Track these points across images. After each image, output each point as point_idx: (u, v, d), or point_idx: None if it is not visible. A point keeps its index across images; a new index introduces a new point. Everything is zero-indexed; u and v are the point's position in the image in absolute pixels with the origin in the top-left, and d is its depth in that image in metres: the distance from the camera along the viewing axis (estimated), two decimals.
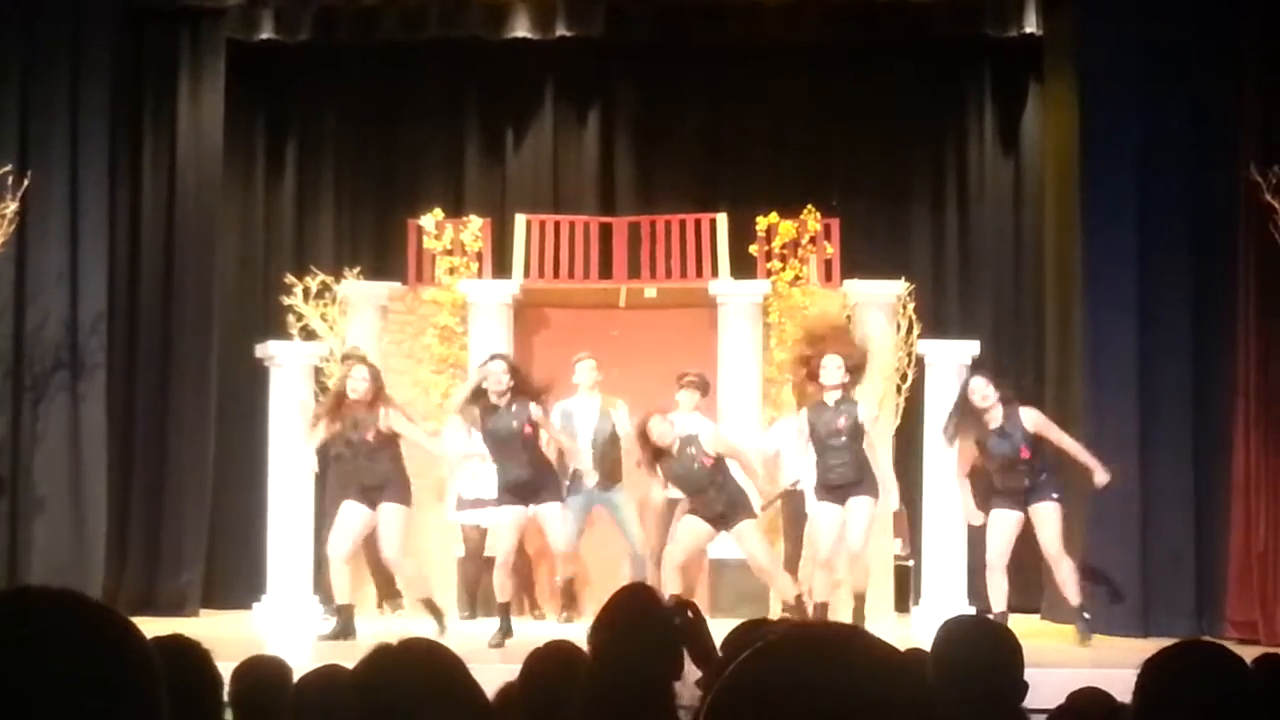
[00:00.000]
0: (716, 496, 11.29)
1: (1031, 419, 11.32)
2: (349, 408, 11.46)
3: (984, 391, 11.34)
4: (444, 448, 12.45)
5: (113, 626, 1.63)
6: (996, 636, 4.15)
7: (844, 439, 11.46)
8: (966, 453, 11.50)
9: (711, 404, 13.07)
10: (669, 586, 10.95)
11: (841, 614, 11.64)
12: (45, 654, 1.57)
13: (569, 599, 12.62)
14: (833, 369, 11.58)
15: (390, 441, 11.47)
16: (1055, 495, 11.35)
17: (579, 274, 14.14)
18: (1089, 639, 11.27)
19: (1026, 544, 11.51)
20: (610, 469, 12.61)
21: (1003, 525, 11.39)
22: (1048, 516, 11.30)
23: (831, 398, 11.57)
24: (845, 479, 11.48)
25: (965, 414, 11.40)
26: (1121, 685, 3.99)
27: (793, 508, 12.75)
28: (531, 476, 11.28)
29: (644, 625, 3.97)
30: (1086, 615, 11.45)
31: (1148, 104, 12.66)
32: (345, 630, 11.41)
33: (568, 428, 12.40)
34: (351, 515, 11.53)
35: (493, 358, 11.55)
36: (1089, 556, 12.33)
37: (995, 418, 11.29)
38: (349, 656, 3.09)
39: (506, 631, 11.11)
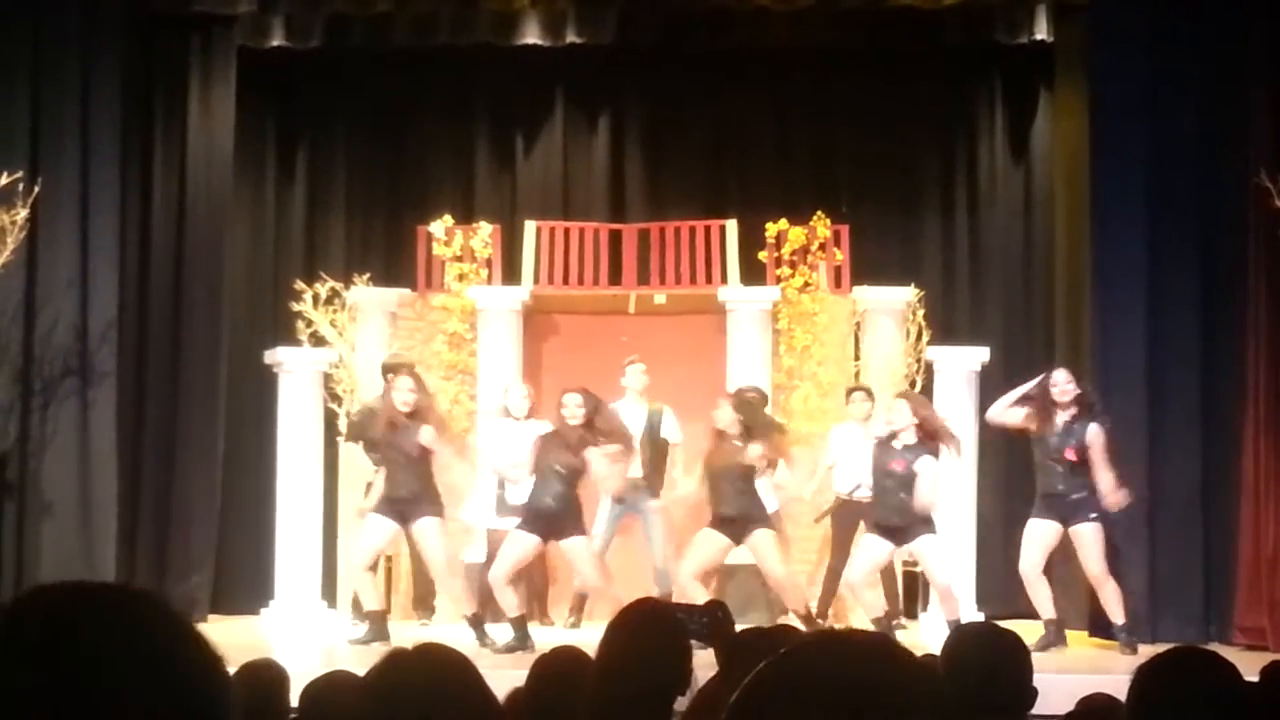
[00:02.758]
0: (737, 500, 11.43)
1: (1093, 431, 11.34)
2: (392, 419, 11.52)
3: (1065, 386, 11.39)
4: (474, 460, 12.52)
5: (185, 633, 1.62)
6: (1006, 643, 4.15)
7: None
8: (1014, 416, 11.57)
9: None
10: (692, 597, 11.04)
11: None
12: (114, 656, 1.55)
13: (578, 605, 12.64)
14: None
15: (426, 454, 11.50)
16: (1094, 515, 11.38)
17: (589, 280, 14.14)
18: (1132, 650, 11.21)
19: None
20: (652, 477, 12.58)
21: (1038, 535, 11.40)
22: (1089, 538, 11.36)
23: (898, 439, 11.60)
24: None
25: (1035, 400, 11.44)
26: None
27: (846, 517, 12.69)
28: (559, 508, 11.40)
29: (655, 637, 3.97)
30: (1125, 635, 11.42)
31: (1158, 110, 12.66)
32: (379, 635, 11.43)
33: None
34: (377, 529, 11.56)
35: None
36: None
37: (1064, 415, 11.33)
38: (363, 662, 3.10)
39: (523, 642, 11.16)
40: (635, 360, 12.75)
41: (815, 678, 1.57)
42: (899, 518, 11.40)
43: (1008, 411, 11.68)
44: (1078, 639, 12.03)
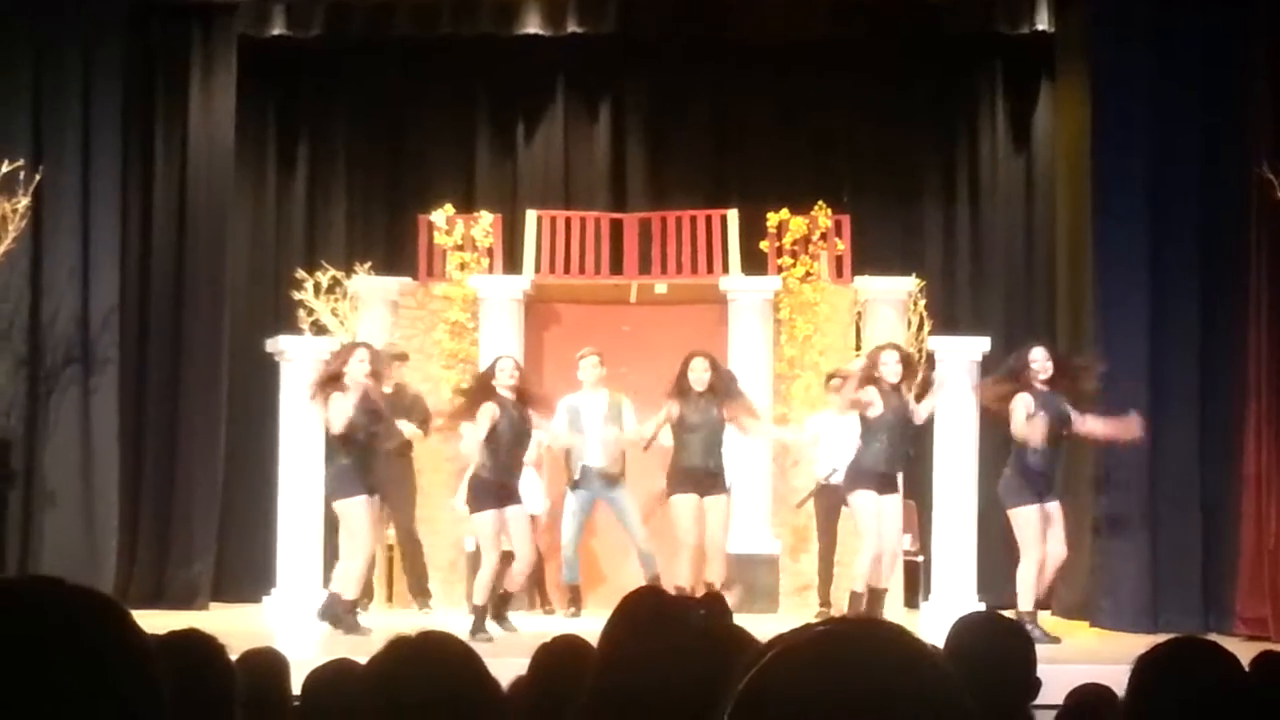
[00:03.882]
0: (711, 455, 11.52)
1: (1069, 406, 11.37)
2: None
3: (1044, 363, 11.37)
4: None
5: (107, 616, 1.63)
6: (1009, 633, 4.15)
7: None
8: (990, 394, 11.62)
9: None
10: (687, 577, 11.08)
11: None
12: (40, 646, 1.57)
13: (574, 594, 12.69)
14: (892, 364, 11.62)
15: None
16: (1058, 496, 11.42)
17: (590, 270, 14.15)
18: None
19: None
20: (617, 464, 12.63)
21: (1033, 519, 11.35)
22: (1061, 516, 11.34)
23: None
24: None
25: (1011, 380, 11.42)
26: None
27: (827, 502, 12.75)
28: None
29: (656, 626, 3.98)
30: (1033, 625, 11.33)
31: (1159, 101, 12.66)
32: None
33: (575, 423, 12.44)
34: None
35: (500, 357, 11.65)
36: (1099, 552, 12.35)
37: (1045, 391, 11.36)
38: (365, 650, 3.09)
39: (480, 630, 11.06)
40: (588, 353, 12.75)
41: (824, 672, 1.54)
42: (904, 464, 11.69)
43: (992, 388, 11.64)
44: (1078, 628, 12.03)
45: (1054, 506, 11.33)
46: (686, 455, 11.51)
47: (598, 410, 12.64)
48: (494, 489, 11.25)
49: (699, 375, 11.48)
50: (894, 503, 11.63)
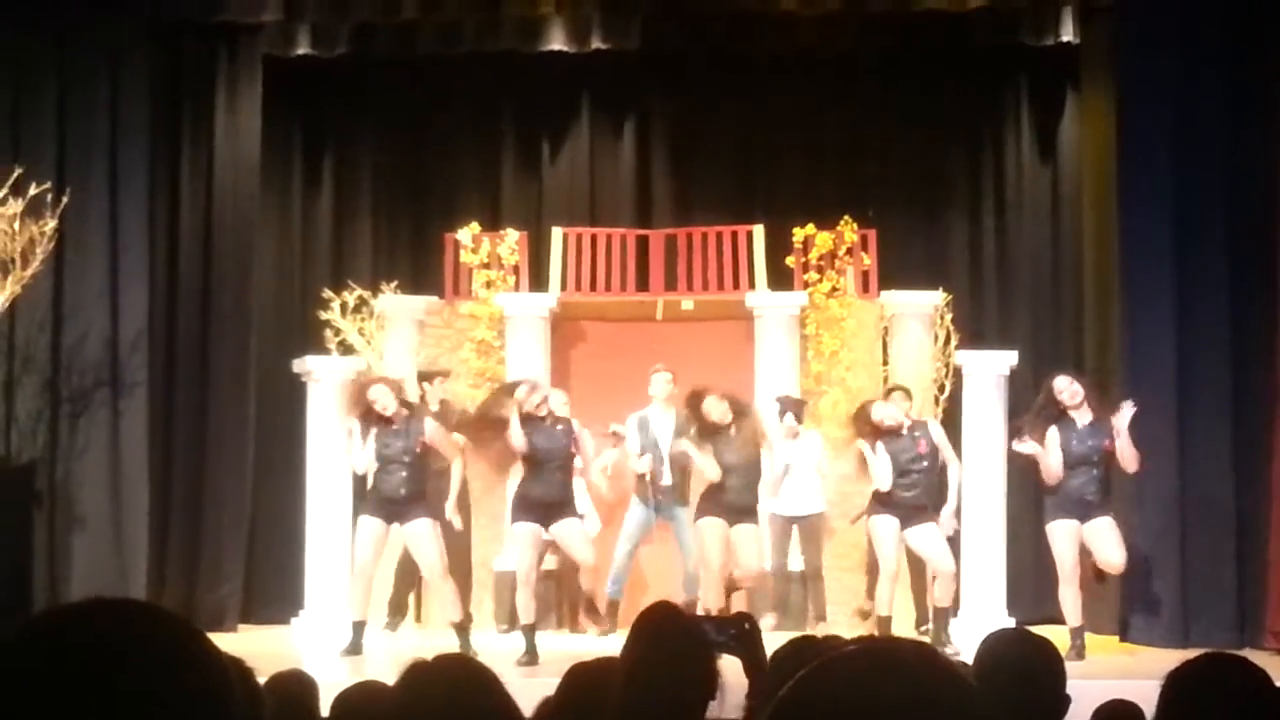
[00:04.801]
0: (746, 492, 11.60)
1: (1121, 418, 11.31)
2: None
3: (1071, 388, 11.34)
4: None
5: (188, 639, 1.63)
6: (1039, 649, 4.13)
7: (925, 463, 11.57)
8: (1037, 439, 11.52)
9: None
10: (716, 602, 11.08)
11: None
12: (121, 667, 1.57)
13: (596, 612, 12.65)
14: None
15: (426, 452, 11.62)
16: (1109, 511, 11.35)
17: (616, 287, 14.14)
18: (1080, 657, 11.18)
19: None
20: (681, 483, 12.56)
21: (1069, 536, 11.33)
22: (1109, 531, 11.30)
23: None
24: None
25: (1045, 415, 11.39)
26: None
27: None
28: (560, 495, 11.45)
29: (672, 640, 3.96)
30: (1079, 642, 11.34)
31: (1185, 111, 12.61)
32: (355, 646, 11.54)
33: (645, 436, 12.43)
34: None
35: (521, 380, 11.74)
36: (1130, 566, 12.28)
37: (1083, 416, 11.30)
38: (394, 673, 3.08)
39: (532, 653, 11.14)
40: (660, 369, 12.72)
41: (854, 689, 1.56)
42: (928, 498, 11.58)
43: (1034, 433, 11.59)
44: (1108, 644, 11.97)
45: (1101, 523, 11.30)
46: (723, 491, 11.60)
47: (667, 426, 12.60)
48: (535, 505, 11.37)
49: (719, 410, 11.51)
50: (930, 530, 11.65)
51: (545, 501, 11.38)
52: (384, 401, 11.39)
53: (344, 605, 12.07)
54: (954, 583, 11.69)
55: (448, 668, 2.58)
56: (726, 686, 4.07)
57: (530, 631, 11.26)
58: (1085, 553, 11.37)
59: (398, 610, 13.18)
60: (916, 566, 12.30)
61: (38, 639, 1.59)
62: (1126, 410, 11.27)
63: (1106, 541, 11.28)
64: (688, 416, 11.76)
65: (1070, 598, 11.32)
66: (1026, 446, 11.47)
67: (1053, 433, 11.33)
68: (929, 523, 11.58)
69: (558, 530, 11.46)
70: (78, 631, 1.60)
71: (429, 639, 11.82)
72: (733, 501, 11.55)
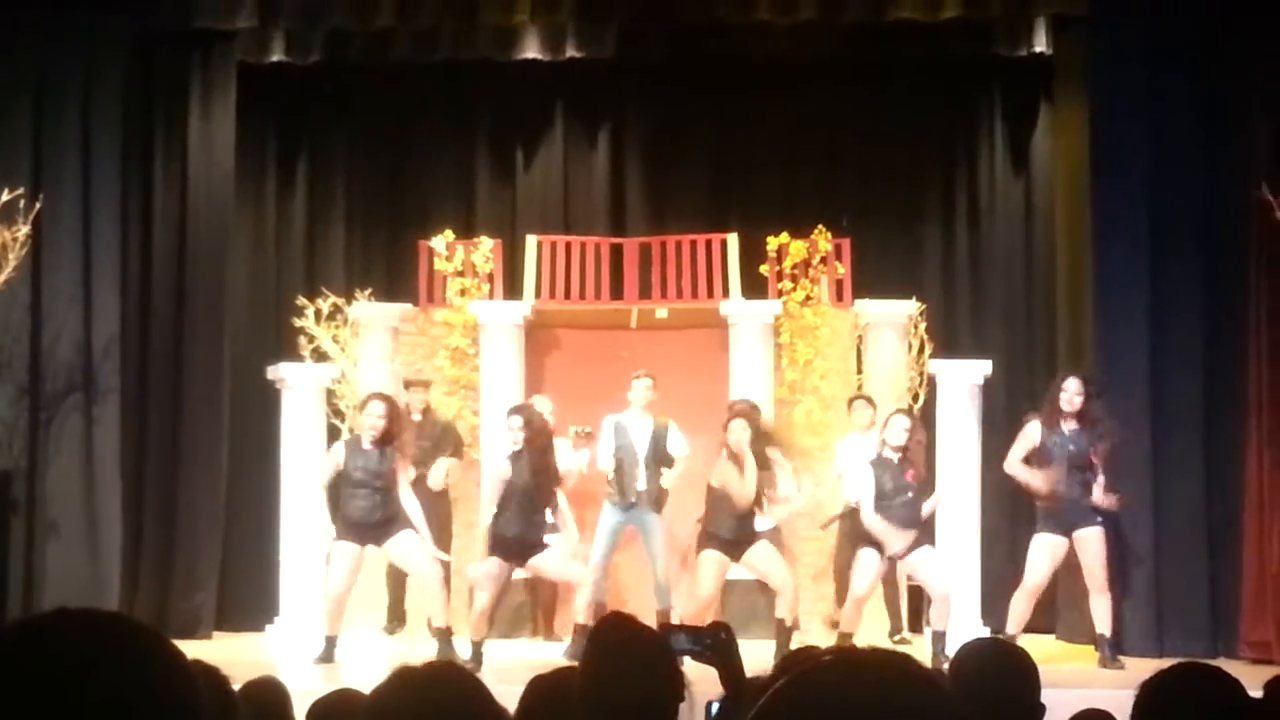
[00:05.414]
0: (742, 525, 11.58)
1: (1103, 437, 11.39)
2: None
3: (1073, 396, 11.46)
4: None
5: (155, 648, 1.64)
6: (1014, 659, 4.15)
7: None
8: (1025, 442, 11.58)
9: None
10: (692, 619, 11.08)
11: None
12: (89, 678, 1.58)
13: (599, 612, 12.62)
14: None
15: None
16: (1099, 520, 11.40)
17: (590, 295, 14.15)
18: (1116, 664, 11.28)
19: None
20: (655, 490, 12.53)
21: (1048, 550, 11.39)
22: (1094, 543, 11.38)
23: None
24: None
25: (1045, 405, 11.50)
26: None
27: (857, 525, 12.67)
28: (535, 534, 11.54)
29: (629, 650, 3.96)
30: (1109, 649, 11.43)
31: (1158, 123, 12.66)
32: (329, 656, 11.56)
33: (621, 441, 12.40)
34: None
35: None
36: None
37: (1069, 423, 11.38)
38: (369, 681, 3.08)
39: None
40: (642, 375, 12.70)
41: (832, 698, 1.57)
42: (915, 526, 11.53)
43: (1019, 466, 11.65)
44: (1083, 653, 11.99)
45: (1087, 533, 11.37)
46: (716, 521, 11.61)
47: (643, 432, 12.57)
48: (510, 544, 11.37)
49: (737, 436, 11.53)
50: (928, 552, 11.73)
51: (521, 540, 11.38)
52: (373, 422, 11.42)
53: (318, 615, 12.04)
54: (949, 605, 11.69)
55: (433, 675, 2.58)
56: (695, 694, 4.08)
57: (478, 647, 11.25)
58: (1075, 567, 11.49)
59: (396, 617, 13.21)
60: (888, 576, 12.32)
61: (4, 651, 1.60)
62: (1112, 498, 11.39)
63: (1087, 558, 11.37)
64: (753, 435, 11.66)
65: (1021, 607, 11.41)
66: (1019, 471, 11.54)
67: (1034, 426, 11.41)
68: (924, 545, 11.62)
69: (536, 564, 11.49)
70: (45, 643, 1.61)
71: (412, 646, 11.83)
72: (726, 538, 11.56)
